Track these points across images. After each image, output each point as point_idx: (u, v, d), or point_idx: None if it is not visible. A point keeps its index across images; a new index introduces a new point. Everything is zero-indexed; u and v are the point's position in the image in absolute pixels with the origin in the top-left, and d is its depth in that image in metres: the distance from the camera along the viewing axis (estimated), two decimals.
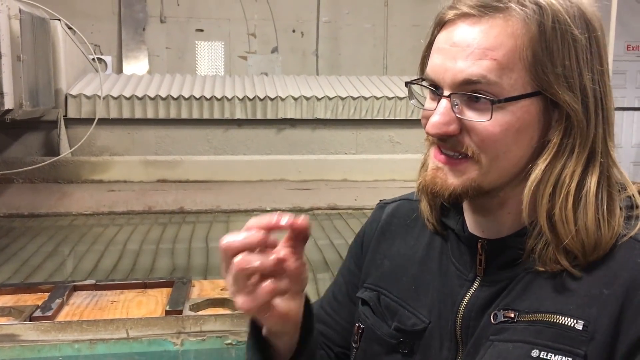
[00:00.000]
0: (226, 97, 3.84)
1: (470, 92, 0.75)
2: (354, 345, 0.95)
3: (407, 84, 0.86)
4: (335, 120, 3.95)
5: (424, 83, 0.82)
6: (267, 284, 0.71)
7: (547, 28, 0.74)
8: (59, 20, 3.66)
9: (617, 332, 0.72)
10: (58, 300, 1.75)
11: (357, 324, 0.95)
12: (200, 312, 1.73)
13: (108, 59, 5.17)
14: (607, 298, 0.73)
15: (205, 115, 3.84)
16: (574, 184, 0.76)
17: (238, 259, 0.71)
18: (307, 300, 0.84)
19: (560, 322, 0.74)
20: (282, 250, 0.74)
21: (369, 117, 3.98)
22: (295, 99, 3.90)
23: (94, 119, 3.58)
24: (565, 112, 0.76)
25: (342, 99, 3.94)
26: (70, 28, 3.84)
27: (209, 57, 5.72)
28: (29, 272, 2.35)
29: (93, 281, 1.97)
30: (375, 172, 3.84)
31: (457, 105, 0.77)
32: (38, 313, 1.67)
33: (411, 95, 0.86)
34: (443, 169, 0.80)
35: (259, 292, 0.71)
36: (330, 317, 1.03)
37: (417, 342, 0.87)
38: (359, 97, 3.96)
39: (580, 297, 0.75)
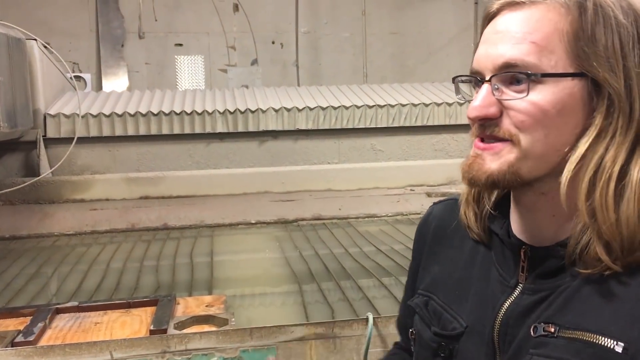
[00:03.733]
0: (207, 111, 3.83)
1: (510, 74, 0.77)
2: (412, 350, 0.99)
3: (453, 79, 0.87)
4: (317, 130, 3.95)
5: (468, 77, 0.83)
6: None
7: (589, 11, 0.75)
8: (35, 40, 3.64)
9: None
10: (40, 324, 1.73)
11: (411, 330, 0.99)
12: (185, 330, 1.72)
13: (87, 76, 5.14)
14: None
15: (187, 130, 3.82)
16: (616, 168, 0.74)
17: None
18: None
19: (600, 343, 0.72)
20: None
21: (350, 126, 3.98)
22: (277, 111, 3.90)
23: (74, 138, 3.56)
24: (607, 93, 0.74)
25: (323, 109, 3.94)
26: (46, 47, 3.82)
27: (189, 71, 5.71)
28: (11, 296, 2.32)
29: (76, 303, 1.94)
30: (358, 181, 3.85)
31: (497, 88, 0.78)
32: (20, 338, 1.64)
33: (457, 90, 0.88)
34: (481, 155, 0.80)
35: None
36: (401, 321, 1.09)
37: (455, 346, 0.88)
38: (339, 106, 3.97)
39: (623, 316, 0.72)
